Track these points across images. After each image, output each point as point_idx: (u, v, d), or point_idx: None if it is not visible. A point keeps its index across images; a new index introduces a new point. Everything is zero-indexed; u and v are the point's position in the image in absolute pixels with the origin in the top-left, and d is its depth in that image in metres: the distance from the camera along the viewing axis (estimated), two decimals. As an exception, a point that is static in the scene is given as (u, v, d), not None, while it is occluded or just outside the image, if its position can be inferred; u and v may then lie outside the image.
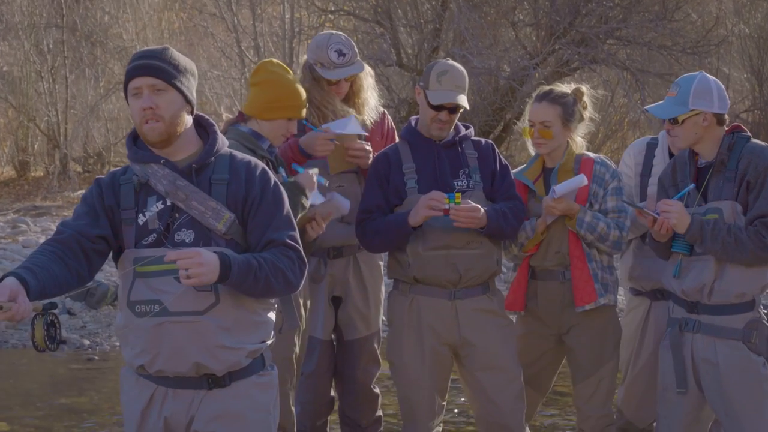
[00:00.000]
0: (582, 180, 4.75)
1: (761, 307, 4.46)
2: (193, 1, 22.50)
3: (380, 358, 5.36)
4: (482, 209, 4.63)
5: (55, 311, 3.43)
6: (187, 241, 3.47)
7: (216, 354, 3.46)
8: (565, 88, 4.92)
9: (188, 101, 3.50)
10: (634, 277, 5.10)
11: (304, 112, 4.64)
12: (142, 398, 3.57)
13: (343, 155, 4.99)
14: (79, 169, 21.40)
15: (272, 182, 3.57)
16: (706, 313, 4.41)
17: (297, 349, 4.72)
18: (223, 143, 3.61)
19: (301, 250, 3.58)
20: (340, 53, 5.11)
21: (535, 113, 4.84)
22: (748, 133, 4.46)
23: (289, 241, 3.53)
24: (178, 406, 3.54)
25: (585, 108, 4.92)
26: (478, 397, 4.81)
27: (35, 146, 21.72)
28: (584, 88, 4.96)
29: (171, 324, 3.43)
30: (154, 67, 3.44)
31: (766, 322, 4.41)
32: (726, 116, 4.44)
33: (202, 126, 3.62)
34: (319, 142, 4.85)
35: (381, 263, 5.35)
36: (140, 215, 3.51)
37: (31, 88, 21.09)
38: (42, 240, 14.00)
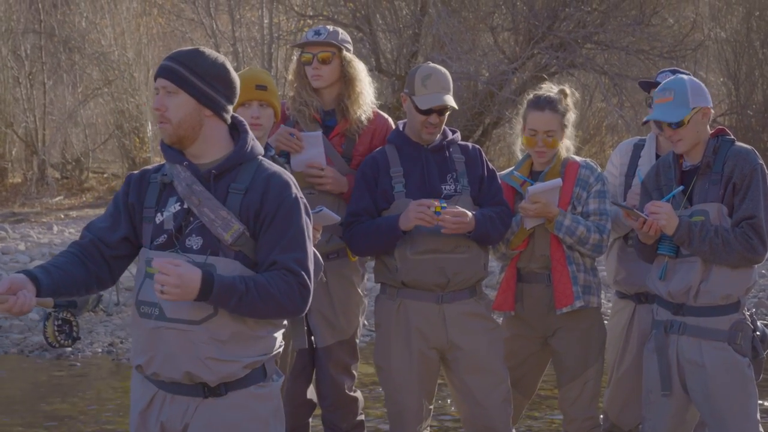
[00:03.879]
0: (558, 183, 4.77)
1: (745, 308, 4.49)
2: (172, 6, 22.45)
3: (354, 364, 5.24)
4: (470, 214, 4.64)
5: (72, 309, 3.46)
6: (194, 247, 3.42)
7: (207, 365, 3.41)
8: (554, 91, 4.95)
9: (206, 105, 3.44)
10: (618, 280, 5.11)
11: (259, 95, 4.55)
12: (143, 399, 3.56)
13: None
14: (58, 175, 21.28)
15: (291, 198, 3.44)
16: (692, 315, 4.43)
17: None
18: (254, 151, 3.51)
19: (306, 274, 3.42)
20: (317, 33, 5.09)
21: (540, 122, 4.85)
22: (733, 137, 4.50)
23: (292, 265, 3.39)
24: (174, 411, 3.50)
25: (569, 110, 4.95)
26: (465, 400, 4.81)
27: (13, 152, 21.55)
28: (567, 89, 4.99)
29: (166, 330, 3.41)
30: (168, 69, 3.43)
31: (749, 324, 4.45)
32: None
33: (238, 131, 3.56)
34: (278, 137, 4.92)
35: (355, 274, 5.21)
36: (158, 214, 3.49)
37: (9, 93, 20.95)
38: (21, 246, 13.94)
